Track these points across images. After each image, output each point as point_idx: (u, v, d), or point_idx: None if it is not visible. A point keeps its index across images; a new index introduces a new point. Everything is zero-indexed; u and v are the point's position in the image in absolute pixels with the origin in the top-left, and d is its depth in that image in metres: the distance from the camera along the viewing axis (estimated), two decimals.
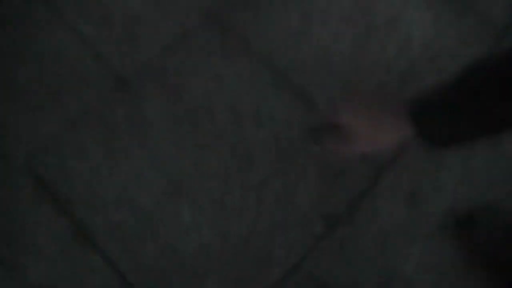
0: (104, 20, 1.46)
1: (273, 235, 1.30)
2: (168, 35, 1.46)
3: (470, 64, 0.70)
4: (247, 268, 1.27)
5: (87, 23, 1.45)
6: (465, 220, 1.34)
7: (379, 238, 1.32)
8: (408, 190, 1.36)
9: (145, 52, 1.44)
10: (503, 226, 1.31)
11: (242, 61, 1.45)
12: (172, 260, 1.26)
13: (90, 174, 1.31)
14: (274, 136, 1.38)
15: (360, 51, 1.50)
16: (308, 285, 1.26)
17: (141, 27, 1.46)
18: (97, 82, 1.40)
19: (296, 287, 1.26)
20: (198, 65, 1.44)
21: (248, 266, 1.27)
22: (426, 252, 1.32)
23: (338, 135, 0.82)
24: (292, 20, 1.50)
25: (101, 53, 1.43)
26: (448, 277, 1.30)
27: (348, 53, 1.49)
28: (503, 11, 1.56)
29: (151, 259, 1.26)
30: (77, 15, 1.46)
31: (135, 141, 1.35)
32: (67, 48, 1.43)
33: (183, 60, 1.44)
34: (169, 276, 1.24)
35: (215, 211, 1.30)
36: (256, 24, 1.48)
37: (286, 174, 1.35)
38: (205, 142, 1.36)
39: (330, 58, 1.48)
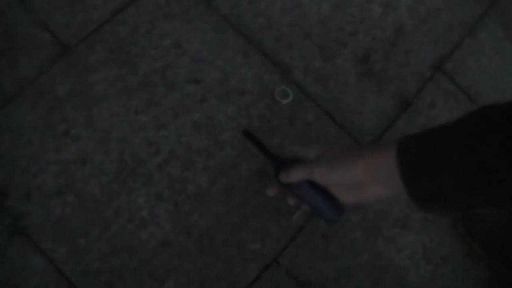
0: None
1: (245, 227, 1.07)
2: None
3: (473, 110, 0.61)
4: (215, 266, 1.04)
5: None
6: None
7: (368, 227, 1.10)
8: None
9: (94, 16, 1.18)
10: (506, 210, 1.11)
11: (208, 25, 1.20)
12: (126, 259, 1.02)
13: (28, 160, 1.06)
14: (245, 111, 1.14)
15: (340, 11, 1.26)
16: (288, 282, 1.05)
17: None
18: (37, 50, 1.14)
19: (274, 286, 1.04)
20: (155, 30, 1.18)
21: (217, 263, 1.04)
22: (421, 240, 1.11)
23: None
24: None
25: (41, 18, 1.16)
26: (446, 267, 1.11)
27: (326, 15, 1.25)
28: None
29: (101, 259, 1.02)
30: None
31: (80, 119, 1.10)
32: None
33: (137, 25, 1.18)
34: (123, 278, 1.01)
35: (176, 201, 1.07)
36: None
37: (258, 156, 1.11)
38: (163, 119, 1.12)
39: (305, 20, 1.24)
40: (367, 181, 0.73)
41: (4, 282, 0.99)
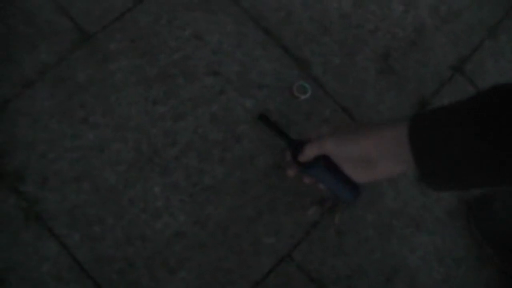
0: None
1: (259, 221, 1.05)
2: None
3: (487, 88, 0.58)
4: (228, 259, 1.02)
5: None
6: (477, 204, 1.11)
7: (382, 226, 1.08)
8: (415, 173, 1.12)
9: (116, 4, 1.16)
10: None
11: (228, 17, 1.18)
12: (139, 248, 1.01)
13: (45, 146, 1.04)
14: (263, 105, 1.12)
15: (361, 8, 1.23)
16: (300, 277, 1.03)
17: None
18: (58, 37, 1.12)
19: (286, 280, 1.02)
20: (176, 21, 1.16)
21: (230, 256, 1.02)
22: (434, 240, 1.09)
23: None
24: None
25: (62, 4, 1.14)
26: (458, 268, 1.08)
27: (346, 11, 1.22)
28: None
29: (115, 247, 1.00)
30: None
31: (99, 107, 1.08)
32: None
33: (158, 15, 1.16)
34: (136, 267, 1.00)
35: (191, 192, 1.05)
36: None
37: (274, 149, 1.08)
38: (181, 110, 1.10)
39: (326, 16, 1.21)
40: (377, 156, 0.71)
41: (17, 266, 0.98)
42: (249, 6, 1.19)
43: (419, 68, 1.20)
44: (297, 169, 0.87)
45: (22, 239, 0.99)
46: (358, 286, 1.04)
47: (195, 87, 1.11)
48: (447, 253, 1.09)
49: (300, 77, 1.15)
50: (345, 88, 1.16)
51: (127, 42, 1.13)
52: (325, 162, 0.80)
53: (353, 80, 1.17)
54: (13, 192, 1.01)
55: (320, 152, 0.79)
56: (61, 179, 1.03)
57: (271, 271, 1.02)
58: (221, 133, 1.09)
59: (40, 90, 1.08)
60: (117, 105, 1.09)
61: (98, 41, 1.13)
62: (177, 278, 1.00)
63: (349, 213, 1.08)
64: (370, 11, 1.23)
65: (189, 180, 1.05)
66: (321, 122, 1.12)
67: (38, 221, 1.00)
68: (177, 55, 1.13)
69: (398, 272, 1.06)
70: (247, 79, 1.13)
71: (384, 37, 1.21)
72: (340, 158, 0.78)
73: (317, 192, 1.07)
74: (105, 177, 1.04)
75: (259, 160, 1.08)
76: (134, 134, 1.07)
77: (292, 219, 1.06)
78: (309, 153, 0.81)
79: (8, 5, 1.13)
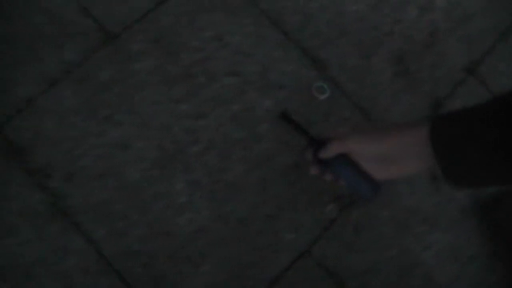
0: None
1: (279, 218, 1.07)
2: None
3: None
4: (249, 254, 1.05)
5: None
6: (490, 203, 1.13)
7: (398, 223, 1.11)
8: (430, 172, 1.15)
9: (138, 5, 1.19)
10: None
11: (248, 19, 1.21)
12: (163, 243, 1.03)
13: (71, 143, 1.07)
14: (282, 105, 1.14)
15: (377, 11, 1.26)
16: (318, 273, 1.05)
17: None
18: (82, 37, 1.14)
19: (304, 275, 1.05)
20: (197, 22, 1.19)
21: (251, 251, 1.05)
22: (449, 238, 1.12)
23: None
24: None
25: (86, 6, 1.17)
26: (472, 266, 1.11)
27: (363, 14, 1.25)
28: None
29: (140, 242, 1.03)
30: None
31: (123, 105, 1.11)
32: None
33: (180, 16, 1.19)
34: (160, 261, 1.02)
35: (213, 189, 1.07)
36: None
37: (293, 149, 1.11)
38: (203, 109, 1.12)
39: (343, 18, 1.24)
40: (398, 154, 0.74)
41: (43, 260, 1.00)
42: (268, 8, 1.22)
43: (433, 70, 1.23)
44: (319, 166, 0.90)
45: (49, 233, 1.02)
46: (374, 282, 1.07)
47: (216, 87, 1.14)
48: (461, 251, 1.12)
49: (319, 78, 1.18)
50: (361, 89, 1.18)
51: (150, 42, 1.16)
52: (347, 159, 0.82)
53: (369, 82, 1.19)
54: (39, 188, 1.04)
55: (342, 150, 0.82)
56: (87, 176, 1.06)
57: (291, 266, 1.05)
58: (241, 132, 1.12)
59: (65, 89, 1.11)
60: (140, 104, 1.11)
61: (121, 42, 1.16)
62: (200, 272, 1.03)
63: (365, 210, 1.10)
64: (386, 14, 1.26)
65: (211, 177, 1.08)
66: (339, 122, 1.14)
67: (64, 216, 1.03)
68: (198, 55, 1.16)
69: (413, 269, 1.09)
70: (266, 80, 1.16)
71: (400, 40, 1.24)
72: (361, 155, 0.80)
73: (334, 190, 1.10)
74: (129, 174, 1.07)
75: (278, 159, 1.11)
76: (157, 132, 1.10)
77: (311, 216, 1.09)
78: (332, 151, 0.83)
79: (33, 5, 1.16)
